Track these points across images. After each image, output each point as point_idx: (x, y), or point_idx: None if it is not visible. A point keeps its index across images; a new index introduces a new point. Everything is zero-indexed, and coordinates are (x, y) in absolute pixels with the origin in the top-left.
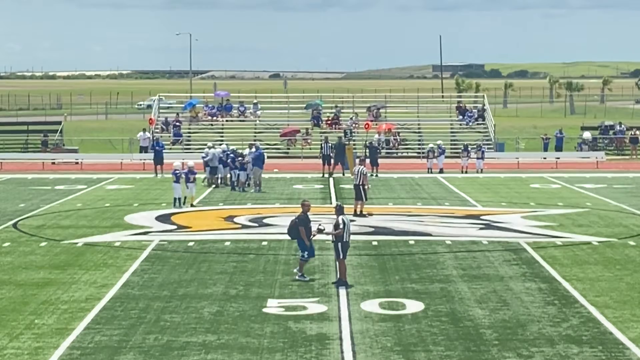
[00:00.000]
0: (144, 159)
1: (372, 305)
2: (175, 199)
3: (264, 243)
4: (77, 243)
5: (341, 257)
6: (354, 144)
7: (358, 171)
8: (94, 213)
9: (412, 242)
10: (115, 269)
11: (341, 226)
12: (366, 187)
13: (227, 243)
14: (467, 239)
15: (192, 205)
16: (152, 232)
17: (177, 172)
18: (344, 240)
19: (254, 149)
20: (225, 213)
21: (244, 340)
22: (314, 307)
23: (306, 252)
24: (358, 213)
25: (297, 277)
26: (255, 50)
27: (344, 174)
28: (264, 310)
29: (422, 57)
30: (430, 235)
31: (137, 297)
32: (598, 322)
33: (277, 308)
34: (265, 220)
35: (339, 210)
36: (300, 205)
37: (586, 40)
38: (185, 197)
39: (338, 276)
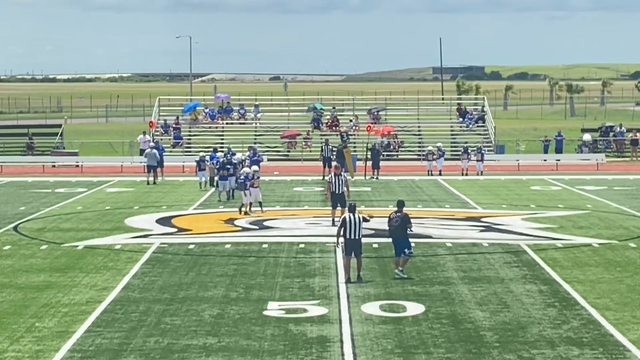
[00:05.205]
0: (145, 162)
1: (372, 308)
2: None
3: (265, 246)
4: (77, 246)
5: (343, 253)
6: (354, 147)
7: (341, 180)
8: (95, 216)
9: (412, 244)
10: (115, 272)
11: (339, 224)
12: (347, 196)
13: (228, 246)
14: (467, 241)
15: (246, 214)
16: (152, 235)
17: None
18: (346, 237)
19: (251, 152)
20: (225, 216)
21: (244, 342)
22: (314, 309)
23: (406, 249)
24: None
25: (396, 273)
26: (255, 52)
27: None
28: (265, 312)
29: (422, 60)
30: (430, 237)
31: (138, 300)
32: (598, 324)
33: (277, 310)
34: (265, 223)
35: (348, 209)
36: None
37: (586, 43)
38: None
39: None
